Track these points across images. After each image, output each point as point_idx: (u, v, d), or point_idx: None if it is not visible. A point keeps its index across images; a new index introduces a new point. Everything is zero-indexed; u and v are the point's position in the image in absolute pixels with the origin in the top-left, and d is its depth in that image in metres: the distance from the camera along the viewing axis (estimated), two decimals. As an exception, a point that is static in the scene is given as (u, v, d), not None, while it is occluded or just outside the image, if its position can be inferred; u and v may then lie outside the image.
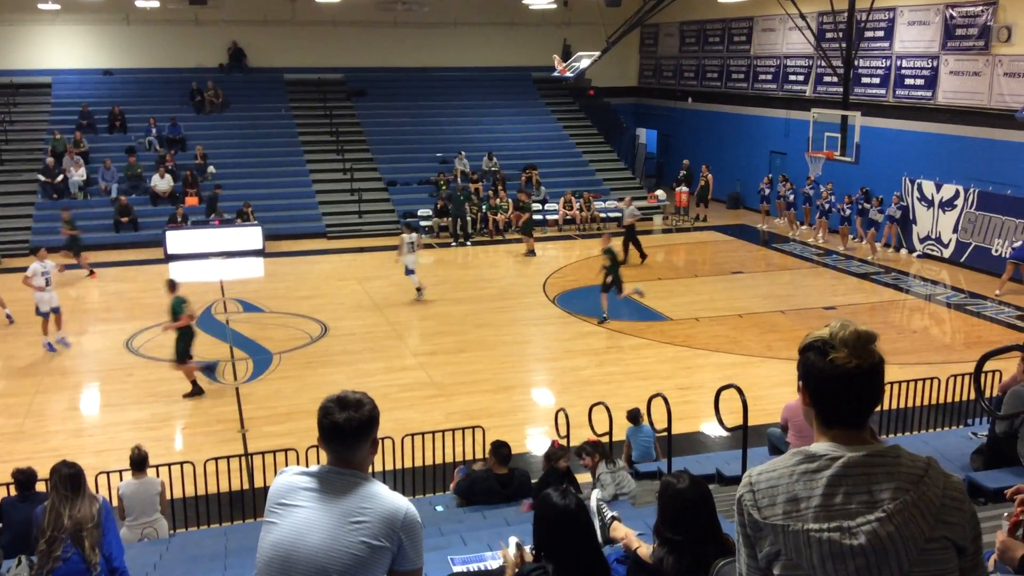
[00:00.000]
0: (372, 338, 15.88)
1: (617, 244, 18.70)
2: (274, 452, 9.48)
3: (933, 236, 21.33)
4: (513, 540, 4.59)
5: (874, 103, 22.23)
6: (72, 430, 12.13)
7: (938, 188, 21.08)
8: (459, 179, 26.18)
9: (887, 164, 21.91)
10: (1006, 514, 3.52)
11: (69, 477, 5.67)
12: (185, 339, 13.01)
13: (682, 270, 22.05)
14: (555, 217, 25.59)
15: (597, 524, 5.07)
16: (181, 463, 9.48)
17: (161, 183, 24.47)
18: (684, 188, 26.34)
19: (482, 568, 5.74)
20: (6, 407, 12.76)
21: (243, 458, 10.45)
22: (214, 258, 21.88)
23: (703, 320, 16.70)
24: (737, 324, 16.42)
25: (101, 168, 24.51)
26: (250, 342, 15.63)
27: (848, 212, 22.25)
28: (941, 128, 20.97)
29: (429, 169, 27.03)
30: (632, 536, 4.51)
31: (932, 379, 11.00)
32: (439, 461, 10.21)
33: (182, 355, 12.99)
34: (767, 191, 25.51)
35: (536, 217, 24.64)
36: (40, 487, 7.24)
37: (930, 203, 21.36)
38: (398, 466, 9.85)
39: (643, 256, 21.12)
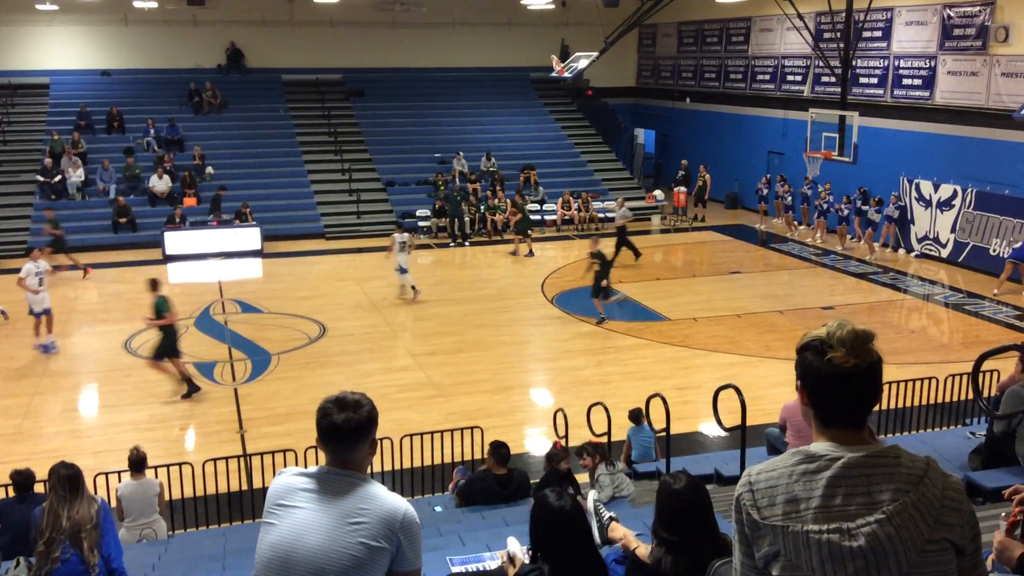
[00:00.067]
0: (371, 339, 15.88)
1: (609, 246, 18.70)
2: (273, 453, 9.47)
3: (931, 236, 21.35)
4: (511, 540, 4.60)
5: (872, 103, 22.25)
6: (70, 431, 12.12)
7: (936, 188, 21.10)
8: (457, 179, 26.19)
9: (885, 164, 21.92)
10: (1004, 514, 3.52)
11: (67, 478, 5.66)
12: (168, 338, 12.99)
13: (680, 270, 22.06)
14: (553, 217, 25.60)
15: (595, 525, 5.07)
16: (180, 464, 9.48)
17: (159, 184, 24.46)
18: (682, 188, 26.35)
19: (481, 569, 5.74)
20: (4, 408, 12.74)
21: (242, 459, 10.45)
22: (212, 259, 21.88)
23: (701, 320, 16.70)
24: (735, 324, 16.42)
25: (99, 169, 24.50)
26: (248, 343, 15.63)
27: (846, 212, 22.27)
28: (939, 128, 20.99)
29: (427, 169, 27.04)
30: (631, 536, 4.52)
31: (930, 379, 11.01)
32: (438, 462, 10.21)
33: (160, 353, 12.98)
34: (765, 191, 25.53)
35: (535, 218, 24.67)
36: (38, 488, 7.24)
37: (928, 203, 21.38)
38: (397, 467, 9.86)
39: (637, 254, 21.11)
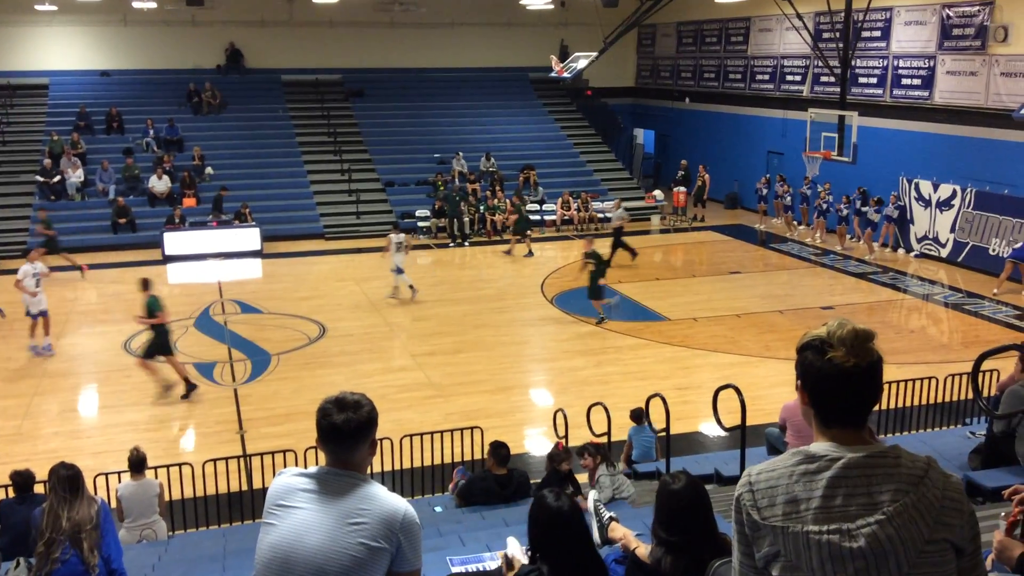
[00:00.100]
0: (370, 339, 15.88)
1: (604, 247, 18.69)
2: (272, 453, 9.46)
3: (930, 236, 21.36)
4: (511, 540, 4.60)
5: (871, 103, 22.25)
6: (70, 432, 12.12)
7: (935, 188, 21.11)
8: (457, 180, 26.19)
9: (884, 164, 21.93)
10: (1003, 513, 3.52)
11: (67, 479, 5.66)
12: (160, 337, 12.97)
13: (680, 270, 22.06)
14: (553, 218, 25.60)
15: (594, 525, 5.08)
16: (180, 464, 9.47)
17: (159, 184, 24.46)
18: (682, 188, 26.35)
19: (481, 569, 5.74)
20: (4, 409, 12.74)
21: (242, 459, 10.45)
22: (212, 259, 21.88)
23: (701, 320, 16.71)
24: (735, 324, 16.43)
25: (99, 169, 24.50)
26: (248, 343, 15.63)
27: (845, 212, 22.28)
28: (938, 128, 21.00)
29: (427, 170, 27.04)
30: (630, 536, 4.52)
31: (930, 379, 11.02)
32: (437, 462, 10.21)
33: (151, 352, 12.96)
34: (764, 191, 25.54)
35: (534, 218, 24.68)
36: (38, 489, 7.23)
37: (927, 203, 21.39)
38: (396, 467, 9.86)
39: (633, 254, 21.11)
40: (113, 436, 11.73)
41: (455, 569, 5.81)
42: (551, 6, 27.68)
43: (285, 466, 4.54)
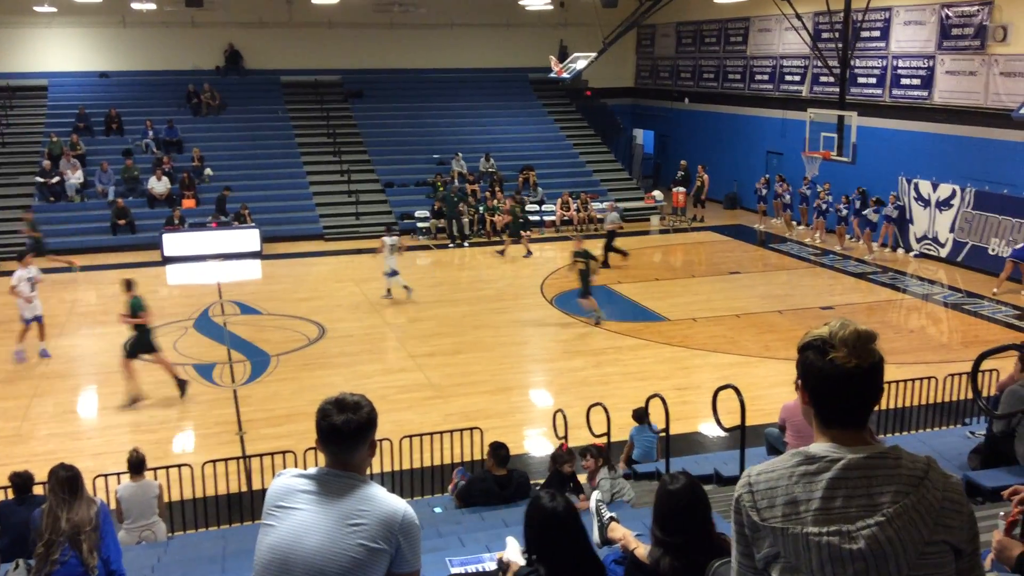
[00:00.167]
0: (370, 340, 15.88)
1: (596, 248, 18.67)
2: (272, 454, 9.46)
3: (930, 236, 21.36)
4: (510, 540, 4.59)
5: (870, 103, 22.26)
6: (69, 433, 12.11)
7: (935, 188, 21.11)
8: (456, 180, 26.19)
9: (884, 164, 21.93)
10: (1002, 513, 3.52)
11: (67, 480, 5.66)
12: (143, 336, 12.91)
13: (679, 270, 22.06)
14: (552, 218, 25.60)
15: (595, 524, 5.07)
16: (179, 466, 9.46)
17: (158, 185, 24.45)
18: (681, 188, 26.36)
19: (480, 570, 5.74)
20: (3, 410, 12.73)
21: (241, 460, 10.45)
22: (211, 260, 21.87)
23: (700, 320, 16.70)
24: (735, 324, 16.42)
25: (98, 171, 24.50)
26: (248, 344, 15.62)
27: (845, 212, 22.28)
28: (937, 128, 21.01)
29: (426, 171, 27.04)
30: (630, 537, 4.52)
31: (929, 378, 11.02)
32: (437, 463, 10.21)
33: (134, 351, 12.87)
34: (764, 191, 25.54)
35: (533, 218, 24.67)
36: (38, 490, 7.23)
37: (927, 203, 21.39)
38: (396, 468, 9.85)
39: (624, 254, 21.12)
40: (112, 437, 11.73)
41: (454, 570, 5.81)
42: (550, 7, 27.68)
43: (284, 467, 4.54)
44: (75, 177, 24.21)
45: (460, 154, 27.22)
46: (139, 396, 12.89)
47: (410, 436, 10.13)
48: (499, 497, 8.30)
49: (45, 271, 18.10)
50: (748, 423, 8.06)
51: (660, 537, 3.93)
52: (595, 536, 4.95)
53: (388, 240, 17.99)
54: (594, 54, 24.58)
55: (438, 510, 8.74)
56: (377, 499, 2.85)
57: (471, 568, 5.83)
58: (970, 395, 6.62)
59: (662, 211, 27.05)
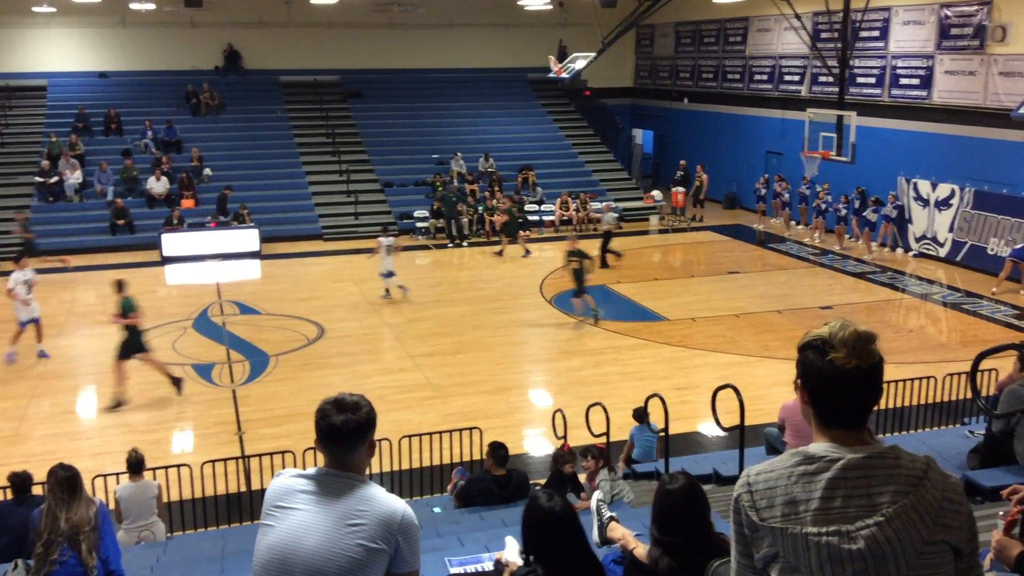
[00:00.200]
0: (369, 340, 15.88)
1: (593, 248, 18.67)
2: (271, 454, 9.46)
3: (929, 235, 21.37)
4: (510, 540, 4.59)
5: (870, 103, 22.26)
6: (68, 433, 12.10)
7: (934, 187, 21.12)
8: (455, 180, 26.18)
9: (883, 164, 21.94)
10: (1002, 513, 3.52)
11: (66, 480, 5.65)
12: (133, 336, 12.87)
13: (678, 270, 22.07)
14: (551, 218, 25.60)
15: (595, 524, 5.07)
16: (178, 466, 9.46)
17: (157, 185, 24.44)
18: (680, 188, 26.36)
19: (479, 570, 5.74)
20: (2, 411, 12.73)
21: (240, 460, 10.45)
22: (210, 260, 21.87)
23: (700, 320, 16.71)
24: (734, 324, 16.43)
25: (97, 171, 24.49)
26: (247, 344, 15.62)
27: (844, 212, 22.29)
28: (937, 128, 21.01)
29: (425, 171, 27.03)
30: (629, 536, 4.52)
31: (929, 378, 11.03)
32: (436, 463, 10.21)
33: (125, 352, 12.83)
34: (763, 191, 25.55)
35: (533, 219, 24.66)
36: (37, 490, 7.22)
37: (926, 202, 21.40)
38: (395, 468, 9.85)
39: (618, 255, 21.13)
40: (111, 437, 11.73)
41: (454, 570, 5.81)
42: (549, 7, 27.69)
43: (284, 467, 4.54)
44: (74, 177, 24.20)
45: (459, 154, 27.22)
46: (124, 400, 12.83)
47: (409, 436, 10.13)
48: (498, 497, 8.30)
49: (40, 272, 18.10)
50: (747, 423, 8.06)
51: (659, 537, 3.93)
52: (595, 536, 4.95)
53: (384, 241, 18.00)
54: (593, 54, 24.59)
55: (437, 510, 8.74)
56: (376, 499, 2.85)
57: (470, 568, 5.83)
58: (969, 395, 6.62)
59: (661, 211, 27.05)
